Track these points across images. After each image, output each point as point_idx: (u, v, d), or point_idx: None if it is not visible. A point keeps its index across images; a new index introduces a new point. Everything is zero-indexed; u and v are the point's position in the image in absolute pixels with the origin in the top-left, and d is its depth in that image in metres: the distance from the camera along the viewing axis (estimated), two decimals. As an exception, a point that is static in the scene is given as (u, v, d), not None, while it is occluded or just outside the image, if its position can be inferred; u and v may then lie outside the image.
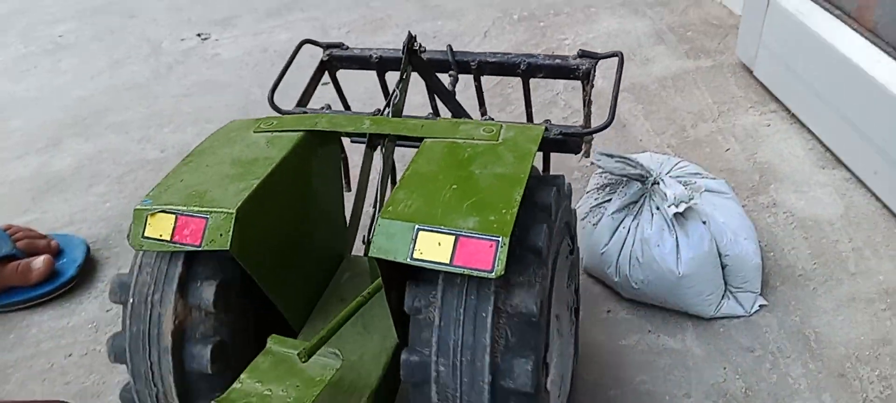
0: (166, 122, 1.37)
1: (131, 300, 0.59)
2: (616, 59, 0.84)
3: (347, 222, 0.78)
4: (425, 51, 0.76)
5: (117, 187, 1.21)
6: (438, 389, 0.53)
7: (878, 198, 1.00)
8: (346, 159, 0.88)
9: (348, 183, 0.89)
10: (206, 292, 0.58)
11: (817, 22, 1.06)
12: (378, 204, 0.69)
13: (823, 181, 1.05)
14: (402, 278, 0.54)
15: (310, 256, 0.72)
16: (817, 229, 0.97)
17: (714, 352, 0.83)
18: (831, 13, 1.06)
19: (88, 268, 1.04)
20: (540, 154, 0.84)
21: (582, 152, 0.80)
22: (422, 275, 0.54)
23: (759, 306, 0.87)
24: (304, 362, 0.56)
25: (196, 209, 0.57)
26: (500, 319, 0.51)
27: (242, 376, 0.55)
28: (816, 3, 1.08)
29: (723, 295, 0.86)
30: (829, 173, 1.06)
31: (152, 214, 0.58)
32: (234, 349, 0.61)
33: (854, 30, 1.02)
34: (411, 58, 0.74)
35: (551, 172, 0.87)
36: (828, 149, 1.09)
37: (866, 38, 1.00)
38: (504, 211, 0.51)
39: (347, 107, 0.93)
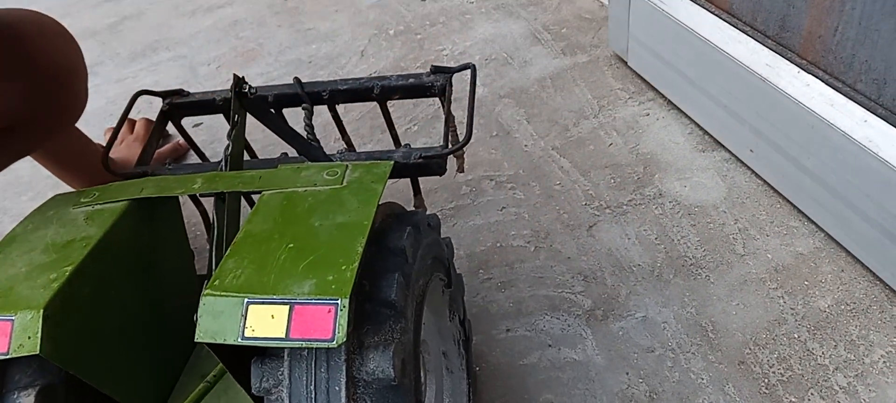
0: (25, 189, 1.25)
1: None
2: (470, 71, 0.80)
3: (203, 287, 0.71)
4: (256, 91, 0.70)
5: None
6: None
7: (757, 176, 1.01)
8: (205, 212, 0.81)
9: (209, 235, 0.82)
10: (21, 400, 0.50)
11: (677, 7, 1.07)
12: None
13: (705, 165, 1.05)
14: (247, 353, 0.49)
15: (157, 335, 0.65)
16: (703, 215, 0.98)
17: (615, 358, 0.81)
18: (691, -2, 1.07)
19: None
20: (407, 181, 0.80)
21: (457, 168, 0.76)
22: (266, 350, 0.48)
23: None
24: None
25: (0, 312, 0.49)
26: (356, 389, 0.46)
27: None
28: (677, -10, 1.09)
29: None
30: (708, 156, 1.07)
31: None
32: None
33: (712, 12, 1.03)
34: (241, 101, 0.68)
35: (423, 195, 0.83)
36: (706, 132, 1.10)
37: (724, 19, 1.01)
38: (343, 267, 0.46)
39: (204, 159, 0.86)
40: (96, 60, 1.65)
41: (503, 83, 1.29)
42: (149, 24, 1.71)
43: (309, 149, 0.71)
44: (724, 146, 1.06)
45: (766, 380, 0.77)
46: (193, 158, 1.21)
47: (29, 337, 0.48)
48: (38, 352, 0.48)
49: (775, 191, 0.98)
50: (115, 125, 1.31)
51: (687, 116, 1.13)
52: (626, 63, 1.26)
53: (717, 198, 1.00)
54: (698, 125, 1.11)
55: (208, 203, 0.85)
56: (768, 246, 0.92)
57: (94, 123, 1.40)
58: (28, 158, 1.36)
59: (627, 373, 0.79)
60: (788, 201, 0.96)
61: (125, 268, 0.60)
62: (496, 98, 1.25)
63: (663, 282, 0.89)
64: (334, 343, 0.43)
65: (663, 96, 1.18)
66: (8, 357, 0.48)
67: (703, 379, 0.78)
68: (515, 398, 0.79)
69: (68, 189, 1.21)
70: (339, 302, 0.44)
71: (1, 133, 0.85)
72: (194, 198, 0.85)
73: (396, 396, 0.47)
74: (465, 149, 0.75)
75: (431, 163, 0.71)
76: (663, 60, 1.14)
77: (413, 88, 0.80)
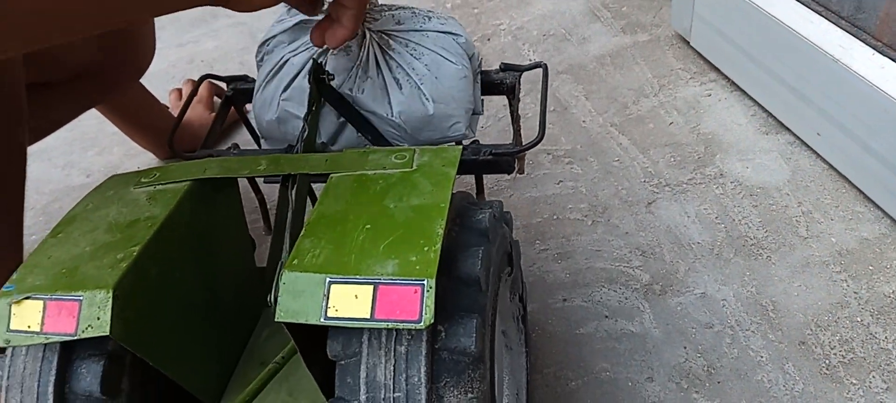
0: (90, 145, 1.29)
1: (6, 385, 0.51)
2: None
3: (263, 272, 0.71)
4: (333, 78, 0.70)
5: (43, 218, 1.13)
6: None
7: (823, 160, 0.99)
8: (262, 199, 0.81)
9: (268, 225, 0.83)
10: (91, 380, 0.51)
11: (749, -13, 1.05)
12: (287, 253, 0.63)
13: (768, 147, 1.04)
14: (321, 333, 0.48)
15: (216, 320, 0.64)
16: (766, 196, 0.96)
17: (673, 332, 0.81)
18: (762, -23, 1.05)
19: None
20: (472, 178, 0.80)
21: (517, 169, 0.76)
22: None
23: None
24: None
25: (66, 292, 0.49)
26: (435, 361, 0.46)
27: None
28: (747, -32, 1.07)
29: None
30: (772, 138, 1.05)
31: (17, 302, 0.50)
32: None
33: (786, -8, 1.01)
34: (319, 88, 0.69)
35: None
36: (770, 115, 1.08)
37: (798, -1, 0.99)
38: (426, 248, 0.46)
39: (259, 145, 0.87)
40: (158, 25, 1.68)
41: (561, 59, 1.28)
42: None
43: (379, 138, 0.72)
44: (788, 128, 1.04)
45: (828, 361, 0.76)
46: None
47: (98, 318, 0.48)
48: (107, 334, 0.48)
49: (841, 175, 0.96)
50: (177, 88, 1.35)
51: (750, 98, 1.11)
52: (688, 43, 1.24)
53: (780, 180, 0.98)
54: (762, 107, 1.09)
55: (268, 192, 0.86)
56: (832, 229, 0.90)
57: (157, 85, 1.43)
58: (94, 114, 1.40)
59: (685, 347, 0.79)
60: (854, 186, 0.94)
61: (187, 250, 0.59)
62: (554, 73, 1.24)
63: (723, 261, 0.88)
64: (422, 324, 0.43)
65: (726, 77, 1.16)
66: (76, 338, 0.48)
67: (762, 357, 0.77)
68: (571, 366, 0.79)
69: (133, 146, 1.25)
70: (425, 282, 0.44)
71: (71, 82, 0.88)
72: (253, 185, 0.85)
73: (475, 370, 0.47)
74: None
75: (501, 161, 0.70)
76: (728, 40, 1.12)
77: (481, 85, 0.80)
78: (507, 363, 0.71)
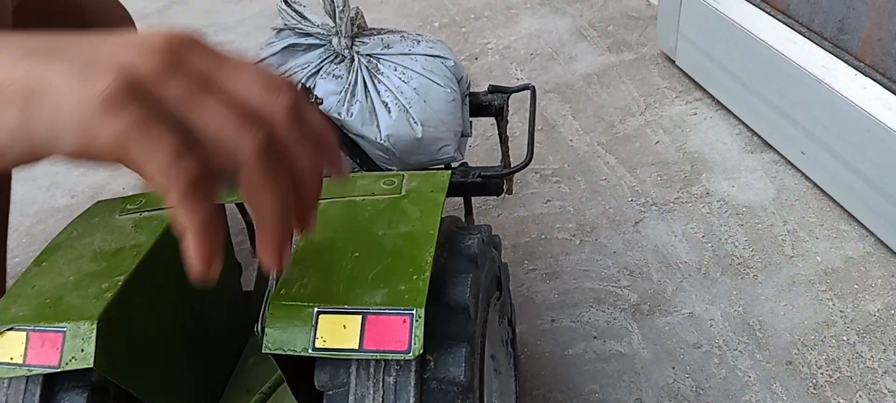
0: (75, 166, 1.28)
1: None
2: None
3: (250, 297, 0.70)
4: (321, 102, 0.70)
5: (26, 240, 1.12)
6: None
7: (807, 178, 1.00)
8: (250, 223, 0.81)
9: (255, 248, 0.82)
10: None
11: (730, 7, 1.06)
12: (274, 280, 0.62)
13: (753, 166, 1.05)
14: (308, 364, 0.47)
15: (202, 347, 0.63)
16: (751, 215, 0.97)
17: (661, 352, 0.81)
18: (745, -2, 1.06)
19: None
20: (460, 200, 0.80)
21: (505, 189, 0.76)
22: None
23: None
24: None
25: (50, 323, 0.48)
26: (424, 391, 0.46)
27: None
28: (731, -11, 1.09)
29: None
30: (757, 157, 1.06)
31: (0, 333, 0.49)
32: None
33: (768, 12, 1.02)
34: None
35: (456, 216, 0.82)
36: (755, 133, 1.09)
37: (779, 19, 1.00)
38: (415, 277, 0.45)
39: None
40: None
41: (548, 78, 1.29)
42: (197, 9, 1.74)
43: (368, 161, 0.72)
44: (773, 147, 1.06)
45: (815, 381, 0.77)
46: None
47: (82, 350, 0.47)
48: (91, 366, 0.46)
49: (825, 194, 0.97)
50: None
51: (735, 117, 1.13)
52: (673, 62, 1.26)
53: (765, 198, 0.99)
54: (747, 126, 1.10)
55: None
56: (817, 248, 0.91)
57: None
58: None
59: (673, 368, 0.79)
60: (839, 204, 0.95)
61: (173, 278, 0.58)
62: (541, 93, 1.25)
63: (710, 280, 0.89)
64: (411, 354, 0.43)
65: (711, 96, 1.17)
66: (59, 371, 0.47)
67: (750, 377, 0.78)
68: (560, 387, 0.79)
69: (118, 166, 1.24)
70: (413, 312, 0.43)
71: None
72: (241, 208, 0.84)
73: (465, 399, 0.46)
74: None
75: (490, 183, 0.70)
76: (713, 60, 1.13)
77: (470, 107, 0.80)
78: (497, 387, 0.71)
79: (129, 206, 0.60)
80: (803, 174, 1.01)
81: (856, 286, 0.86)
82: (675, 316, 0.85)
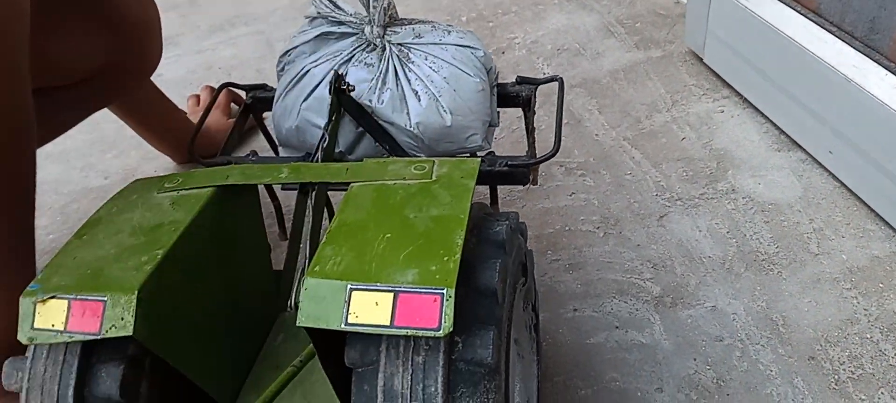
0: (109, 147, 1.31)
1: (27, 387, 0.52)
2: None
3: (279, 277, 0.72)
4: (353, 89, 0.72)
5: (60, 218, 1.15)
6: None
7: (834, 177, 1.00)
8: (278, 206, 0.83)
9: (284, 231, 0.84)
10: (110, 383, 0.51)
11: (761, 5, 1.06)
12: (306, 260, 0.63)
13: (780, 164, 1.05)
14: (339, 338, 0.49)
15: (234, 323, 0.65)
16: (777, 212, 0.97)
17: (683, 344, 0.82)
18: (776, -4, 1.06)
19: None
20: (486, 189, 0.81)
21: (531, 180, 0.77)
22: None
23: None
24: None
25: (91, 292, 0.50)
26: (452, 371, 0.47)
27: None
28: (761, -13, 1.09)
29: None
30: (784, 155, 1.06)
31: (42, 301, 0.51)
32: None
33: (798, 11, 1.02)
34: (340, 98, 0.70)
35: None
36: (782, 132, 1.09)
37: (810, 18, 1.00)
38: (446, 258, 0.47)
39: (276, 153, 0.88)
40: (177, 31, 1.71)
41: (575, 73, 1.29)
42: (227, 0, 1.76)
43: (398, 148, 0.73)
44: (801, 146, 1.05)
45: (837, 376, 0.77)
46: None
47: (122, 319, 0.49)
48: (131, 334, 0.49)
49: (852, 193, 0.97)
50: (195, 94, 1.37)
51: (763, 115, 1.12)
52: (701, 60, 1.25)
53: (791, 197, 0.99)
54: (774, 124, 1.10)
55: (285, 199, 0.87)
56: (843, 247, 0.91)
57: (175, 91, 1.45)
58: (113, 118, 1.43)
59: (695, 359, 0.80)
60: (866, 204, 0.95)
61: (209, 255, 0.60)
62: (568, 87, 1.25)
63: (734, 275, 0.89)
64: (441, 332, 0.44)
65: (739, 94, 1.17)
66: (99, 337, 0.49)
67: (772, 371, 0.78)
68: (581, 374, 0.80)
69: (151, 150, 1.27)
70: (444, 291, 0.45)
71: (76, 86, 0.90)
72: (270, 191, 0.86)
73: (491, 381, 0.48)
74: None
75: (516, 173, 0.71)
76: (742, 58, 1.13)
77: (497, 98, 0.81)
78: (519, 371, 0.72)
79: (166, 185, 0.62)
80: (831, 173, 1.00)
81: (881, 284, 0.86)
82: (697, 309, 0.85)
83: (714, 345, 0.81)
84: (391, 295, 0.45)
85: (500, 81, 0.83)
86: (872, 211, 0.94)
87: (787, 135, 1.08)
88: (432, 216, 0.52)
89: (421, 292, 0.45)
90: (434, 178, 0.57)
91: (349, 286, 0.46)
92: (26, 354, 0.53)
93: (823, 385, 0.76)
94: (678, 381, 0.78)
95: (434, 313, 0.45)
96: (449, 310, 0.44)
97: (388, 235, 0.50)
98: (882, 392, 0.75)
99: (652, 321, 0.85)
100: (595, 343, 0.83)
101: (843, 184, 0.99)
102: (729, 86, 1.20)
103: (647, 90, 1.23)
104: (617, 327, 0.84)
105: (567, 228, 0.98)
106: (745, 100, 1.16)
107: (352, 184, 0.58)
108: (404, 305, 0.45)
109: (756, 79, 1.11)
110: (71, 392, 0.51)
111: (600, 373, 0.80)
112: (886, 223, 0.92)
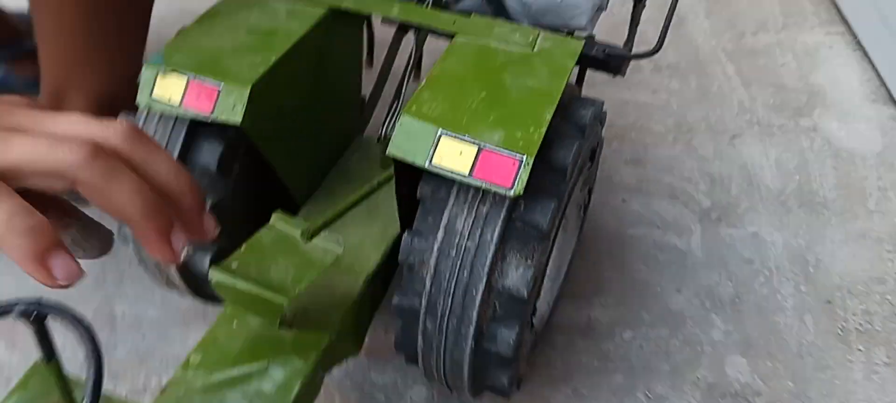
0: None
1: None
2: None
3: (363, 102, 0.77)
4: None
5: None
6: (434, 276, 0.54)
7: (919, 142, 1.00)
8: (372, 35, 0.88)
9: (371, 60, 0.88)
10: (210, 157, 0.59)
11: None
12: (400, 95, 0.67)
13: (870, 115, 1.04)
14: (417, 172, 0.54)
15: (320, 133, 0.72)
16: (849, 162, 0.98)
17: (713, 258, 0.88)
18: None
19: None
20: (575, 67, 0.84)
21: (621, 71, 0.79)
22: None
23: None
24: (306, 243, 0.58)
25: (209, 76, 0.56)
26: (509, 226, 0.53)
27: (243, 248, 0.57)
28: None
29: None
30: (878, 108, 1.05)
31: (163, 74, 0.56)
32: (233, 214, 0.63)
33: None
34: None
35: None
36: (883, 84, 1.07)
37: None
38: (532, 128, 0.50)
39: None
40: None
41: (695, -31, 1.27)
42: None
43: (502, 10, 0.77)
44: (896, 102, 1.04)
45: (845, 325, 0.82)
46: None
47: (234, 107, 0.55)
48: (239, 123, 0.54)
49: (931, 163, 0.97)
50: None
51: (870, 61, 1.10)
52: (828, -13, 1.21)
53: (869, 150, 1.00)
54: (878, 73, 1.08)
55: (380, 32, 0.90)
56: (901, 211, 0.93)
57: None
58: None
59: (720, 274, 0.86)
60: (940, 177, 0.95)
61: (311, 68, 0.66)
62: (684, -17, 1.24)
63: (785, 209, 0.93)
64: (512, 193, 0.48)
65: (853, 33, 1.14)
66: (210, 119, 0.55)
67: (787, 303, 0.84)
68: (612, 261, 0.88)
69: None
70: (524, 158, 0.48)
71: None
72: (368, 21, 0.91)
73: (539, 242, 0.53)
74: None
75: (611, 62, 0.73)
76: (868, -3, 1.09)
77: None
78: (560, 240, 0.80)
79: None
80: (917, 137, 1.00)
81: (923, 256, 0.88)
82: (739, 231, 0.91)
83: (742, 266, 0.87)
84: (475, 148, 0.49)
85: None
86: (944, 184, 0.95)
87: (887, 88, 1.06)
88: (528, 86, 0.55)
89: (503, 153, 0.49)
90: (536, 51, 0.60)
91: (440, 131, 0.50)
92: (138, 115, 0.62)
93: (830, 328, 0.82)
94: (697, 288, 0.85)
95: (510, 174, 0.49)
96: (524, 175, 0.48)
97: (483, 94, 0.54)
98: (880, 349, 0.80)
99: (692, 230, 0.91)
100: (633, 235, 0.90)
101: (925, 151, 0.98)
102: (846, 22, 1.16)
103: (762, 5, 1.21)
104: (658, 227, 0.91)
105: (639, 123, 1.03)
106: (858, 41, 1.13)
107: (457, 37, 0.62)
108: (485, 161, 0.49)
109: (875, 23, 1.08)
110: (175, 156, 0.59)
111: (629, 263, 0.87)
112: (954, 200, 0.93)
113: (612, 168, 0.97)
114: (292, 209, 0.70)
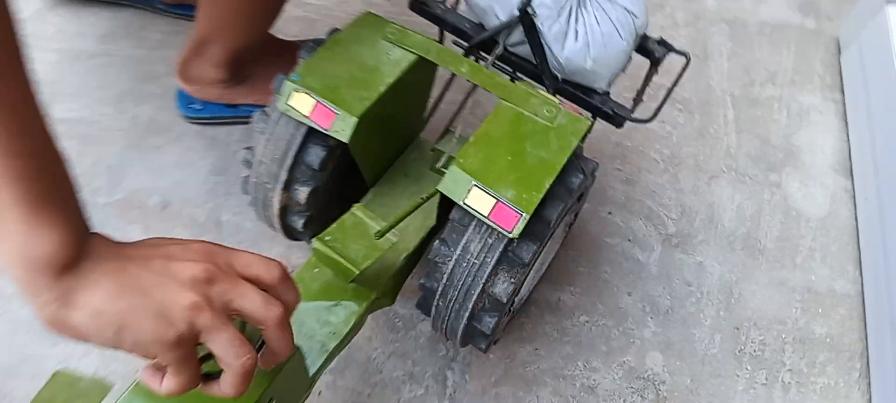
0: None
1: (266, 136, 0.83)
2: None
3: (425, 114, 1.01)
4: (535, 13, 0.95)
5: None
6: (449, 274, 0.78)
7: (855, 219, 1.24)
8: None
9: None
10: (315, 158, 0.82)
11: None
12: (460, 110, 0.91)
13: (828, 183, 1.27)
14: (451, 205, 0.76)
15: (394, 139, 0.94)
16: (795, 220, 1.23)
17: (663, 274, 1.16)
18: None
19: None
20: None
21: (617, 124, 0.98)
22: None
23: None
24: (377, 238, 0.80)
25: (331, 102, 0.78)
26: (504, 254, 0.79)
27: (334, 226, 0.80)
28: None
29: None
30: (836, 178, 1.28)
31: (297, 91, 0.79)
32: (323, 195, 0.87)
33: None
34: (523, 19, 0.93)
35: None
36: (849, 157, 1.29)
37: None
38: (534, 193, 0.75)
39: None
40: None
41: (730, 6, 1.45)
42: None
43: (543, 61, 0.99)
44: (853, 177, 1.27)
45: (743, 348, 1.11)
46: None
47: (344, 129, 0.78)
48: (346, 141, 0.78)
49: (860, 238, 1.22)
50: None
51: (847, 134, 1.31)
52: (840, 52, 1.39)
53: (813, 214, 1.24)
54: (851, 147, 1.30)
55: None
56: (820, 273, 1.19)
57: None
58: None
59: (664, 288, 1.15)
60: (859, 248, 1.20)
61: (399, 99, 0.85)
62: (717, 19, 1.43)
63: (731, 248, 1.19)
64: (512, 235, 0.72)
65: (844, 104, 1.34)
66: (326, 131, 0.78)
67: (705, 322, 1.12)
68: (587, 260, 1.16)
69: None
70: (524, 214, 0.72)
71: None
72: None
73: (520, 269, 0.78)
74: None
75: (616, 116, 0.97)
76: (872, 81, 1.28)
77: (638, 46, 1.03)
78: (547, 248, 1.07)
79: (389, 35, 0.88)
80: (855, 215, 1.24)
81: (820, 310, 1.16)
82: (689, 257, 1.18)
83: (682, 286, 1.15)
84: (494, 200, 0.73)
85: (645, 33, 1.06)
86: (859, 255, 1.20)
87: (851, 162, 1.28)
88: (541, 156, 0.76)
89: (512, 207, 0.72)
90: (554, 125, 0.82)
91: (473, 182, 0.73)
92: (268, 113, 0.87)
93: (731, 348, 1.11)
94: (644, 295, 1.14)
95: (513, 222, 0.72)
96: (522, 225, 0.72)
97: (509, 158, 0.75)
98: (762, 372, 1.09)
99: (654, 248, 1.18)
100: (608, 242, 1.18)
101: (857, 229, 1.23)
102: (843, 92, 1.36)
103: (778, 57, 1.40)
104: (629, 240, 1.18)
105: (641, 148, 1.27)
106: (844, 114, 1.34)
107: (501, 102, 0.85)
108: (499, 209, 0.72)
109: (860, 97, 1.27)
110: (292, 150, 0.85)
111: (599, 264, 1.15)
112: (862, 272, 1.19)
113: (607, 182, 1.23)
114: (363, 189, 0.98)
